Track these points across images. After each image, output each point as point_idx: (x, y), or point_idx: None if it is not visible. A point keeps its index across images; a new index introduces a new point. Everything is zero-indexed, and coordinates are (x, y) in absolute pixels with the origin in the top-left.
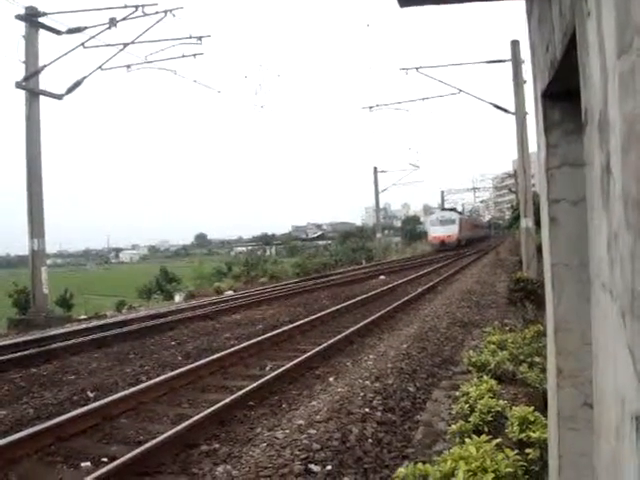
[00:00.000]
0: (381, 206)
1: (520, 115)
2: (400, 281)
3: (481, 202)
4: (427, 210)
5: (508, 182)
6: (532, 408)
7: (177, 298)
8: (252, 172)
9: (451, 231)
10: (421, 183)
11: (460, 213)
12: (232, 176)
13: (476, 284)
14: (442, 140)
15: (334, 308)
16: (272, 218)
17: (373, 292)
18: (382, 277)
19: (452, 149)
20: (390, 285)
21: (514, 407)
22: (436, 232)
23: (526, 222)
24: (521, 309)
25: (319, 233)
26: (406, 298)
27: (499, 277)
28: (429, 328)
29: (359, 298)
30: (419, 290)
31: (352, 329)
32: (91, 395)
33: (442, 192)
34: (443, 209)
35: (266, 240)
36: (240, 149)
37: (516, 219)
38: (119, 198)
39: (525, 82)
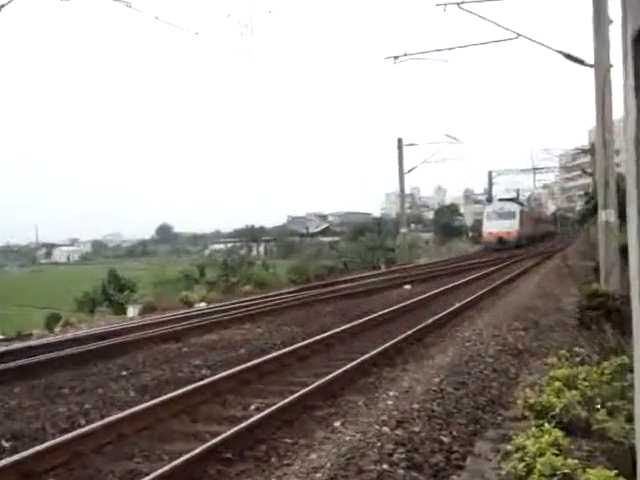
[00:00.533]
0: (407, 191)
1: (601, 68)
2: (431, 292)
3: (543, 187)
4: (469, 197)
5: (581, 161)
6: (615, 472)
7: (131, 312)
8: (235, 145)
9: (511, 226)
10: (462, 162)
11: (521, 204)
12: (208, 150)
13: (536, 298)
14: (491, 104)
15: (342, 327)
16: (261, 206)
17: (395, 307)
18: (407, 287)
19: (505, 116)
20: (418, 298)
21: (589, 469)
22: (492, 227)
23: (606, 215)
24: (597, 334)
25: (323, 226)
26: (439, 316)
27: (567, 289)
28: (470, 357)
29: (376, 315)
30: (457, 305)
31: (366, 356)
32: (6, 445)
33: (490, 173)
34: (501, 199)
35: (252, 235)
36: (219, 114)
37: (592, 211)
38: (50, 176)
39: (611, 22)
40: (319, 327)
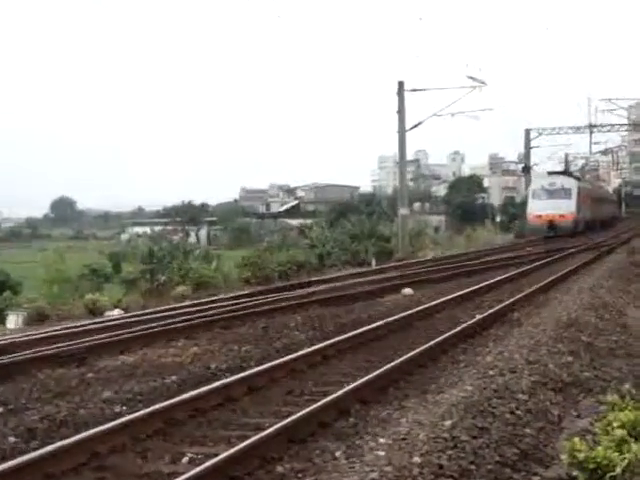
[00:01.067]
0: (410, 156)
1: None
2: (441, 299)
3: (603, 153)
4: (497, 166)
5: None
6: None
7: (12, 321)
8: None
9: (566, 208)
10: (488, 116)
11: (578, 179)
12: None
13: (589, 310)
14: (525, 37)
15: (315, 347)
16: (204, 176)
17: (389, 319)
18: (407, 291)
19: (545, 53)
20: (422, 306)
21: None
22: (540, 209)
23: None
24: None
25: (291, 204)
26: (451, 333)
27: (635, 298)
28: (495, 391)
29: (362, 330)
30: (477, 318)
31: (347, 388)
32: None
33: (527, 133)
34: (551, 172)
35: (191, 216)
36: (152, 53)
37: None
38: None
39: None
40: (282, 346)
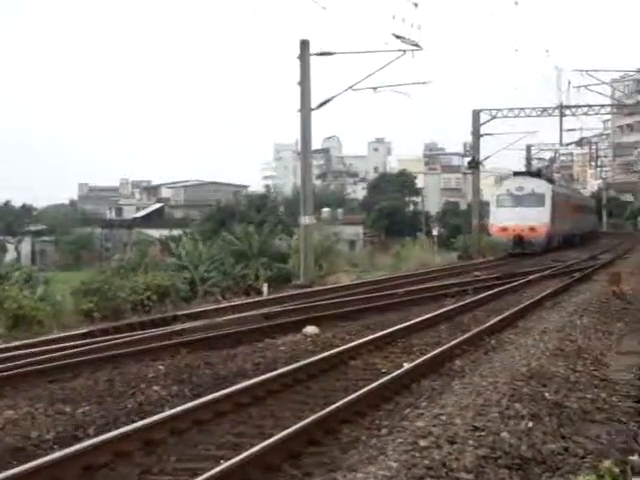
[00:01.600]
0: (317, 145)
1: None
2: (357, 341)
3: (578, 144)
4: (433, 158)
5: None
6: None
7: None
8: None
9: (537, 219)
10: (424, 90)
11: (552, 181)
12: None
13: (555, 358)
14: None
15: (181, 409)
16: (28, 169)
17: (283, 370)
18: (310, 329)
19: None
20: (330, 352)
21: None
22: (507, 219)
23: None
24: None
25: (152, 208)
26: (369, 388)
27: (616, 342)
28: (429, 469)
29: (245, 385)
30: (405, 367)
31: (225, 466)
32: None
33: (476, 115)
34: (517, 173)
35: (8, 222)
36: None
37: None
38: None
39: None
40: (135, 406)
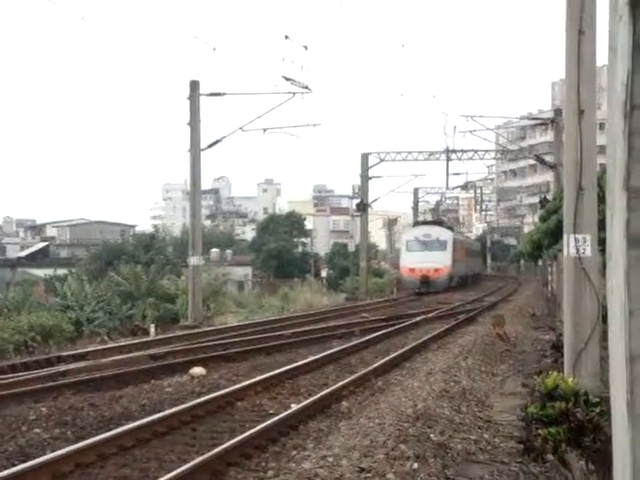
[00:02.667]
0: (207, 186)
1: None
2: (244, 383)
3: (462, 187)
4: (322, 200)
5: (535, 140)
6: None
7: None
8: None
9: (441, 261)
10: (313, 132)
11: (451, 229)
12: None
13: (440, 399)
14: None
15: (63, 452)
16: None
17: (167, 411)
18: (197, 370)
19: (396, 68)
20: (216, 393)
21: None
22: (415, 261)
23: (577, 244)
24: (556, 471)
25: (37, 247)
26: (255, 430)
27: (501, 383)
28: None
29: (120, 430)
30: (293, 409)
31: None
32: None
33: (365, 157)
34: (423, 222)
35: None
36: None
37: (551, 235)
38: None
39: None
40: (16, 450)
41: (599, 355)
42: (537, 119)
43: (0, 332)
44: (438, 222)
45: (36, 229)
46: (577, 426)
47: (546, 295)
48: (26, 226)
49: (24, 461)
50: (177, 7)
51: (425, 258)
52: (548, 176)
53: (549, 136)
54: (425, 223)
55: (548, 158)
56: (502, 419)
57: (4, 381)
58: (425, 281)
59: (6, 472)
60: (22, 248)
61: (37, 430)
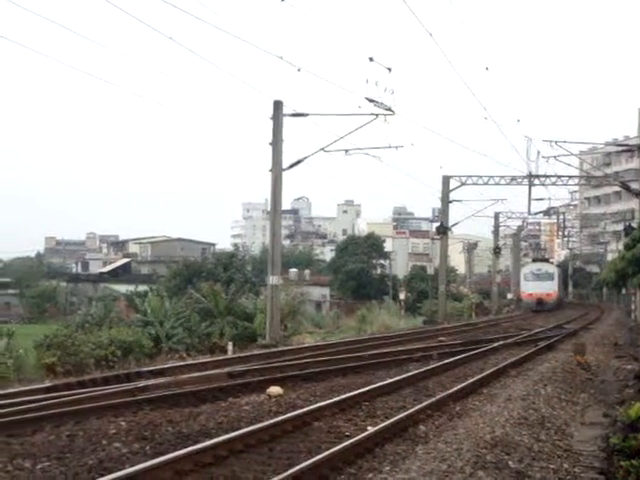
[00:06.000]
0: (287, 206)
1: None
2: (321, 403)
3: (544, 213)
4: (402, 222)
5: (621, 167)
6: None
7: None
8: None
9: (551, 288)
10: (395, 154)
11: (554, 264)
12: None
13: (519, 427)
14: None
15: (142, 466)
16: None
17: (246, 429)
18: (274, 389)
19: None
20: (293, 413)
21: None
22: (532, 288)
23: None
24: None
25: (119, 263)
26: (332, 451)
27: (583, 412)
28: None
29: (198, 447)
30: (369, 431)
31: None
32: None
33: (446, 180)
34: (535, 260)
35: None
36: None
37: (636, 265)
38: None
39: None
40: (96, 462)
41: None
42: (623, 145)
43: (81, 346)
44: (546, 260)
45: (119, 245)
46: None
47: (629, 324)
48: (109, 242)
49: (102, 475)
50: (263, 27)
51: (539, 286)
52: (633, 203)
53: (635, 163)
54: (537, 260)
55: (634, 185)
56: (582, 449)
57: (85, 395)
58: (540, 302)
59: None
60: (104, 264)
61: (117, 444)
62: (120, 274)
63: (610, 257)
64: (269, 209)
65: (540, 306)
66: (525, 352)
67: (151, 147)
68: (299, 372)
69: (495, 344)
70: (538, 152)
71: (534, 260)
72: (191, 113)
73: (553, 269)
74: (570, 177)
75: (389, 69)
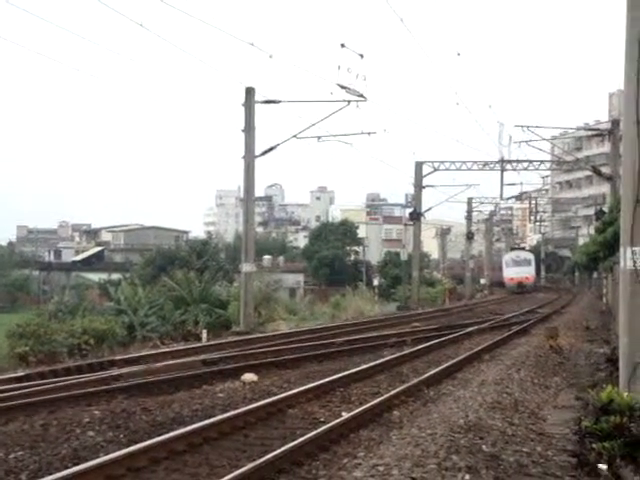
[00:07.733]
0: (260, 193)
1: None
2: (296, 390)
3: (516, 198)
4: (375, 209)
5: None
6: None
7: None
8: None
9: (529, 272)
10: (368, 140)
11: (531, 252)
12: None
13: (492, 411)
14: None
15: (116, 455)
16: None
17: (218, 417)
18: (249, 376)
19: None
20: (268, 400)
21: None
22: (513, 273)
23: (633, 256)
24: None
25: (92, 251)
26: (306, 437)
27: (554, 395)
28: None
29: (172, 435)
30: (344, 417)
31: None
32: None
33: (419, 166)
34: (514, 248)
35: None
36: None
37: (607, 247)
38: None
39: None
40: (70, 452)
41: None
42: (594, 130)
43: (54, 335)
44: (522, 248)
45: (91, 234)
46: (632, 441)
47: (601, 308)
48: (81, 230)
49: (76, 464)
50: (234, 14)
51: (520, 271)
52: (604, 188)
53: (606, 147)
54: (514, 249)
55: (605, 169)
56: (555, 432)
57: (58, 384)
58: (520, 285)
59: (59, 474)
60: (77, 252)
61: (90, 433)
62: (93, 263)
63: (581, 241)
64: (242, 196)
65: (521, 288)
66: (498, 337)
67: (123, 135)
68: (273, 359)
69: (469, 329)
70: (510, 137)
71: (512, 249)
72: (163, 101)
73: (530, 256)
74: (542, 162)
75: (361, 55)
